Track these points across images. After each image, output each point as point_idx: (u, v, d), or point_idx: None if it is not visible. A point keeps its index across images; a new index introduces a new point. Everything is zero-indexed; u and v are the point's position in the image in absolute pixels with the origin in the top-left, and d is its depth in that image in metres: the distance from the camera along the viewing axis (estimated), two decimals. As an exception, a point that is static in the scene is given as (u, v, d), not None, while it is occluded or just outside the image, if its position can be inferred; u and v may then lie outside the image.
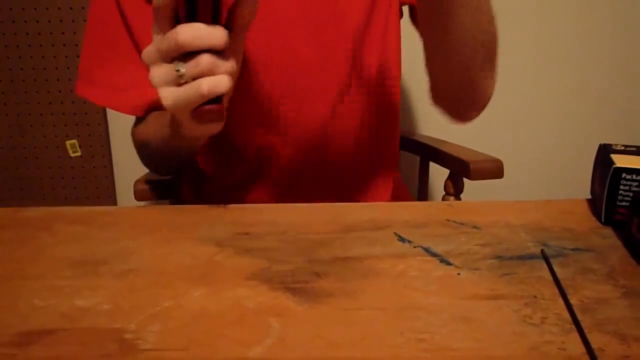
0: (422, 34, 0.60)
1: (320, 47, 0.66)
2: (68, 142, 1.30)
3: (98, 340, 0.34)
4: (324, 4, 0.66)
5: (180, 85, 0.43)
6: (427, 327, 0.35)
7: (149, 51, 0.44)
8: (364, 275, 0.41)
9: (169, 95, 0.43)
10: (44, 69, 1.24)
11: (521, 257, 0.44)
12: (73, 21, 1.21)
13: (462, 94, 0.64)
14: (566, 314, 0.36)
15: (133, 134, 0.71)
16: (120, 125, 1.30)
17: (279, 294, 0.39)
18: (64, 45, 1.23)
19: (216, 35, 0.41)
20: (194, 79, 0.42)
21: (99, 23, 0.66)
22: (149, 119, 0.67)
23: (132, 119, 0.72)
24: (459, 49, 0.56)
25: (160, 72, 0.43)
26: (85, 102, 1.27)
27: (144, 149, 0.71)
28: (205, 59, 0.41)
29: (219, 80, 0.42)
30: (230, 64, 0.43)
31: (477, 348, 0.32)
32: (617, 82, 1.28)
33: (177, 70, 0.42)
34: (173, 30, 0.41)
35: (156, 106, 0.62)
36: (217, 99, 0.43)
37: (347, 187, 0.73)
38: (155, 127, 0.63)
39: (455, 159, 0.84)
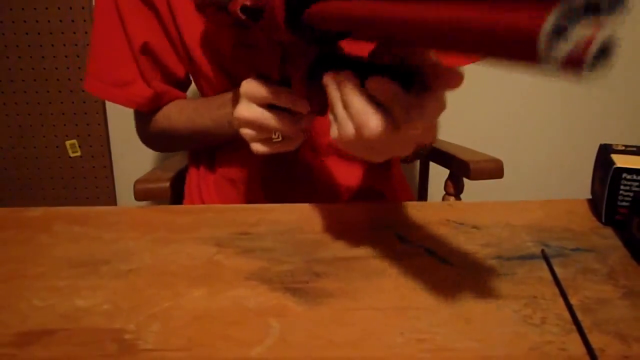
0: None
1: None
2: (68, 142, 1.30)
3: (98, 340, 0.34)
4: None
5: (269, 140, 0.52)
6: (427, 327, 0.35)
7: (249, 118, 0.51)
8: (364, 275, 0.41)
9: (261, 149, 0.52)
10: (44, 69, 1.24)
11: (521, 257, 0.44)
12: (73, 21, 1.21)
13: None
14: (566, 314, 0.36)
15: (150, 124, 0.73)
16: (120, 126, 1.30)
17: (279, 294, 0.39)
18: (64, 45, 1.23)
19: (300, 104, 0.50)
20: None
21: (100, 21, 0.68)
22: (171, 110, 0.71)
23: (132, 118, 0.74)
24: None
25: (255, 135, 0.53)
26: (85, 102, 1.27)
27: (164, 138, 0.75)
28: (292, 129, 0.50)
29: (301, 138, 0.53)
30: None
31: (477, 348, 0.32)
32: (617, 82, 1.28)
33: (275, 134, 0.51)
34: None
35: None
36: None
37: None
38: (190, 116, 0.69)
39: (455, 159, 0.84)
